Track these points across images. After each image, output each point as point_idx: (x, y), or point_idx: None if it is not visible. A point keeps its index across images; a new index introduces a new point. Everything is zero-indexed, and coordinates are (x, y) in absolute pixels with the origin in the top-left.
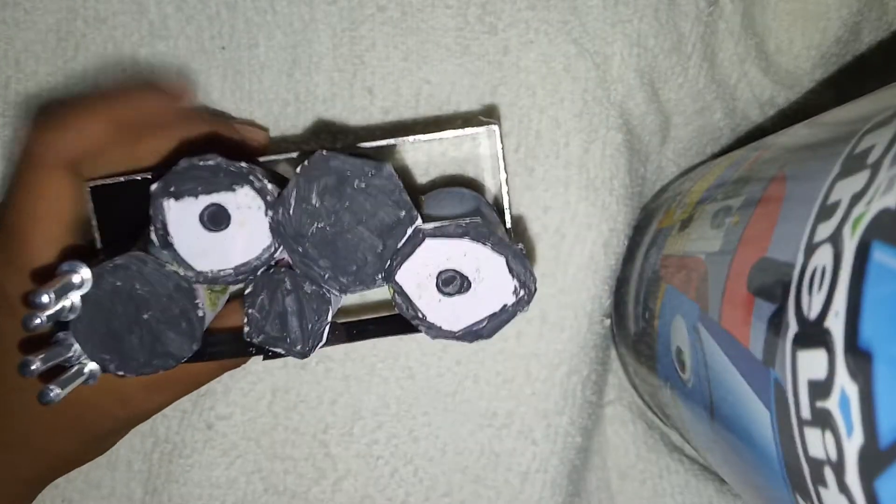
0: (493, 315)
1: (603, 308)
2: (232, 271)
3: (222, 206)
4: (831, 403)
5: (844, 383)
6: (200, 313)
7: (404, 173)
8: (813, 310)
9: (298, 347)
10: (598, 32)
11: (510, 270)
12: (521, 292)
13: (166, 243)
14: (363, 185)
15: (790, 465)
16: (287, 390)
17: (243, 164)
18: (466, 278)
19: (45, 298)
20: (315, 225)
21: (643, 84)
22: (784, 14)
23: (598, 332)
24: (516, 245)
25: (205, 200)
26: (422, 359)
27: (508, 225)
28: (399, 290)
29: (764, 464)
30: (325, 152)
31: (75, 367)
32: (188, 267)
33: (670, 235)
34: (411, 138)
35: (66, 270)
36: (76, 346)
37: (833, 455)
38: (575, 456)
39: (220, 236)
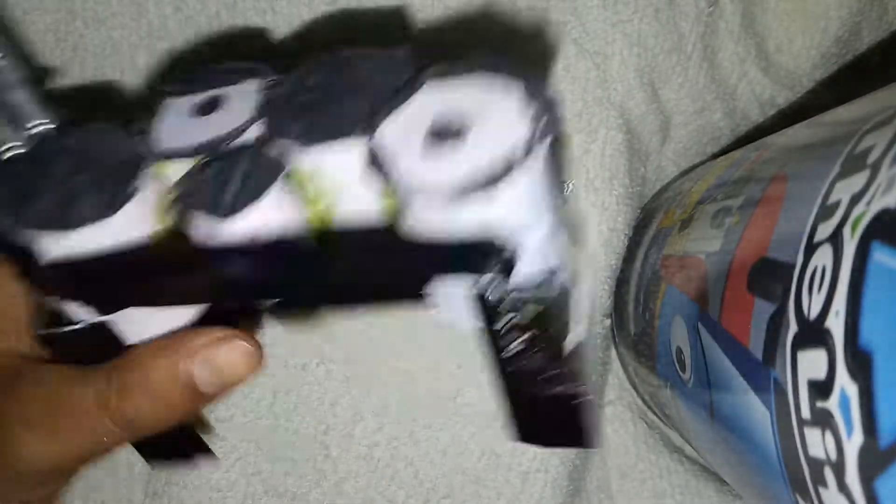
0: (503, 159)
1: (603, 308)
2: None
3: (216, 96)
4: (831, 403)
5: (844, 383)
6: (132, 189)
7: None
8: (813, 310)
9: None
10: (597, 32)
11: (528, 96)
12: (545, 125)
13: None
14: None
15: (790, 465)
16: (287, 392)
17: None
18: (464, 122)
19: None
20: (305, 93)
21: (643, 84)
22: (784, 14)
23: (598, 332)
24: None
25: (203, 95)
26: (423, 362)
27: None
28: (371, 154)
29: (764, 464)
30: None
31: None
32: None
33: (670, 235)
34: None
35: None
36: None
37: (833, 455)
38: (575, 456)
39: (209, 118)
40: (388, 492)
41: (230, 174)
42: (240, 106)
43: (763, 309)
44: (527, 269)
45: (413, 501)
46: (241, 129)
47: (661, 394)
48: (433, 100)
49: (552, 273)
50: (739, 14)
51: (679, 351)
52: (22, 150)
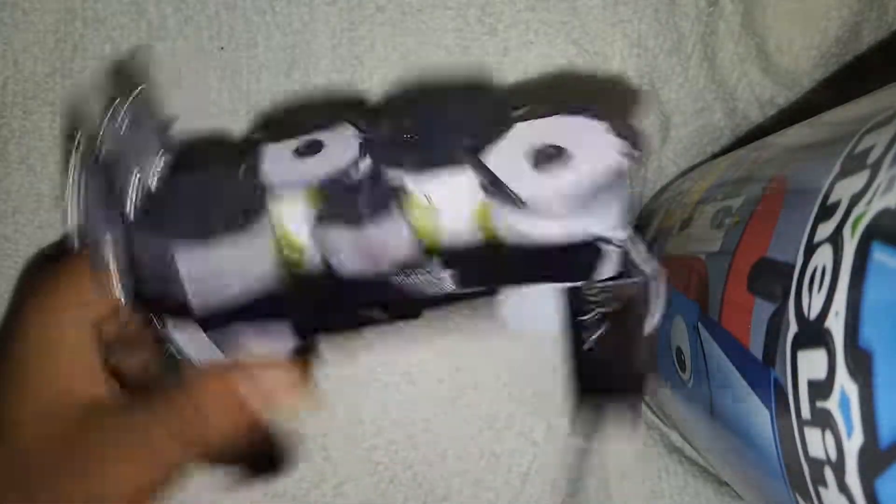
0: (598, 180)
1: None
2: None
3: (316, 140)
4: (831, 403)
5: (844, 383)
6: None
7: None
8: (813, 310)
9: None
10: (597, 33)
11: (615, 132)
12: (630, 150)
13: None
14: (462, 111)
15: (790, 465)
16: None
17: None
18: (565, 151)
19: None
20: (404, 136)
21: (643, 84)
22: (784, 14)
23: None
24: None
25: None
26: (422, 364)
27: None
28: (492, 180)
29: (764, 464)
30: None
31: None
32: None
33: (670, 235)
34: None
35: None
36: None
37: (833, 455)
38: (575, 456)
39: (312, 158)
40: (387, 494)
41: (357, 199)
42: (341, 148)
43: (763, 309)
44: (615, 267)
45: (412, 503)
46: (354, 164)
47: (661, 394)
48: (532, 133)
49: (636, 270)
50: (739, 14)
51: (679, 351)
52: (158, 181)
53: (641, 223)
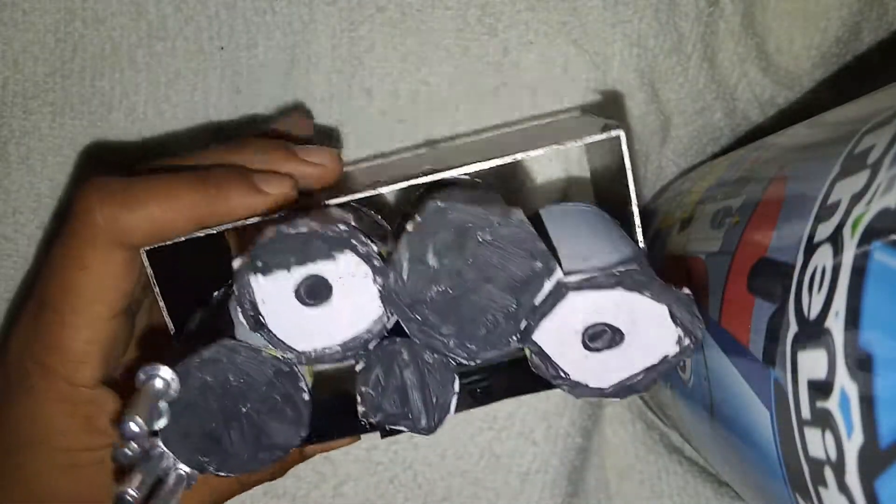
0: (651, 367)
1: None
2: (339, 348)
3: (321, 277)
4: (831, 403)
5: (844, 383)
6: (306, 397)
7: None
8: (813, 310)
9: (423, 423)
10: (597, 33)
11: (673, 319)
12: (686, 341)
13: (258, 324)
14: (489, 238)
15: (790, 465)
16: None
17: (342, 227)
18: (619, 331)
19: (133, 427)
20: (434, 289)
21: (643, 84)
22: (784, 14)
23: None
24: (681, 290)
25: (300, 272)
26: None
27: (641, 244)
28: (537, 351)
29: (764, 464)
30: (440, 203)
31: (172, 478)
32: (287, 348)
33: (670, 235)
34: (521, 155)
35: (146, 379)
36: (168, 454)
37: (833, 455)
38: (575, 456)
39: (322, 310)
40: (386, 494)
41: (405, 385)
42: (356, 295)
43: (763, 309)
44: None
45: (412, 503)
46: (381, 328)
47: (661, 394)
48: (587, 308)
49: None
50: (739, 14)
51: None
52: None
53: (641, 223)
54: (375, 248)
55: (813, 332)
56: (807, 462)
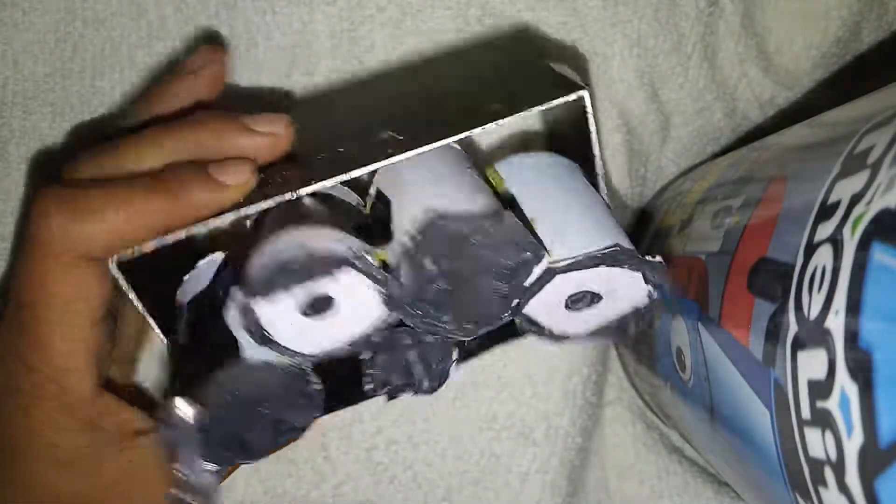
0: (624, 316)
1: None
2: (346, 346)
3: (323, 294)
4: (831, 403)
5: (844, 383)
6: (318, 387)
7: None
8: (813, 310)
9: (426, 385)
10: (597, 33)
11: (646, 280)
12: (656, 294)
13: (266, 340)
14: (482, 240)
15: (790, 465)
16: None
17: (338, 245)
18: (598, 294)
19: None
20: (433, 287)
21: (643, 84)
22: (784, 14)
23: None
24: (654, 258)
25: (302, 292)
26: None
27: (606, 202)
28: (526, 319)
29: (764, 464)
30: (435, 216)
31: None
32: (296, 355)
33: (670, 235)
34: (492, 125)
35: (165, 429)
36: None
37: (833, 455)
38: (575, 456)
39: (325, 321)
40: (386, 494)
41: (408, 362)
42: (358, 302)
43: (763, 309)
44: None
45: (412, 503)
46: (377, 330)
47: (661, 394)
48: (572, 284)
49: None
50: (739, 14)
51: (679, 351)
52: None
53: (641, 223)
54: (373, 260)
55: (813, 332)
56: (807, 462)
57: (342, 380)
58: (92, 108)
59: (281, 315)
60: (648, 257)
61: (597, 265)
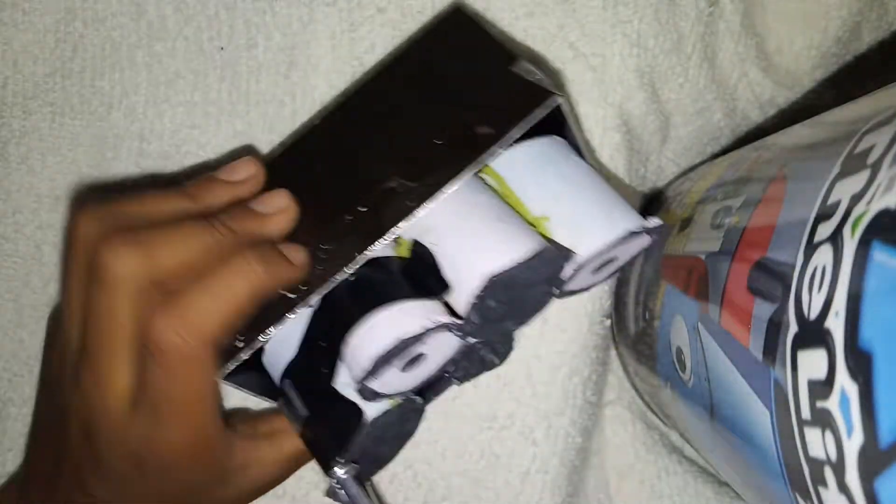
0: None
1: (603, 308)
2: (438, 372)
3: (418, 354)
4: (831, 403)
5: (844, 383)
6: (421, 402)
7: None
8: (813, 310)
9: (497, 364)
10: (596, 34)
11: (649, 234)
12: (654, 236)
13: (377, 396)
14: (532, 277)
15: (790, 465)
16: None
17: (422, 322)
18: (613, 259)
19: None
20: (494, 313)
21: (643, 84)
22: (784, 14)
23: (599, 332)
24: (657, 223)
25: (400, 363)
26: None
27: (599, 173)
28: (567, 294)
29: (764, 464)
30: (491, 276)
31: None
32: (402, 395)
33: (670, 235)
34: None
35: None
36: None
37: (833, 455)
38: (575, 456)
39: (421, 366)
40: (386, 494)
41: (480, 355)
42: (442, 354)
43: (763, 309)
44: None
45: (412, 503)
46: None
47: (661, 394)
48: (593, 261)
49: None
50: (739, 14)
51: (679, 351)
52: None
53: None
54: (449, 317)
55: (813, 332)
56: (807, 462)
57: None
58: (92, 108)
59: (388, 381)
60: (650, 220)
61: (615, 246)
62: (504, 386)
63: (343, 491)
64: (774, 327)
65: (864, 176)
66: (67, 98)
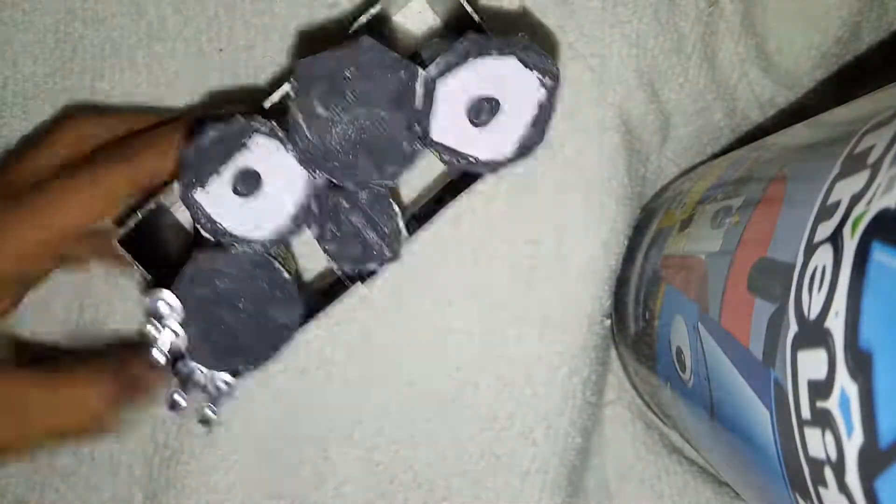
0: (536, 118)
1: (603, 308)
2: (291, 224)
3: (247, 168)
4: (831, 403)
5: (844, 383)
6: (286, 275)
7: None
8: (813, 310)
9: (387, 253)
10: (596, 34)
11: (526, 65)
12: (547, 80)
13: (219, 232)
14: (355, 70)
15: (790, 465)
16: (287, 395)
17: (238, 117)
18: (493, 99)
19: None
20: (334, 132)
21: (643, 84)
22: (784, 14)
23: (599, 332)
24: (518, 35)
25: (228, 171)
26: (422, 365)
27: (476, 19)
28: (441, 148)
29: (764, 464)
30: (303, 59)
31: (217, 388)
32: (249, 241)
33: (670, 235)
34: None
35: (152, 306)
36: (200, 370)
37: (833, 455)
38: (575, 457)
39: (261, 198)
40: (387, 494)
41: (357, 227)
42: (282, 172)
43: (763, 309)
44: None
45: (412, 503)
46: (313, 190)
47: (661, 394)
48: (459, 89)
49: None
50: (739, 14)
51: (679, 351)
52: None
53: (641, 223)
54: (275, 123)
55: (813, 332)
56: (807, 462)
57: (318, 293)
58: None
59: (219, 199)
60: (511, 37)
61: (464, 59)
62: (504, 386)
63: (175, 343)
64: (774, 327)
65: (864, 176)
66: (67, 98)
